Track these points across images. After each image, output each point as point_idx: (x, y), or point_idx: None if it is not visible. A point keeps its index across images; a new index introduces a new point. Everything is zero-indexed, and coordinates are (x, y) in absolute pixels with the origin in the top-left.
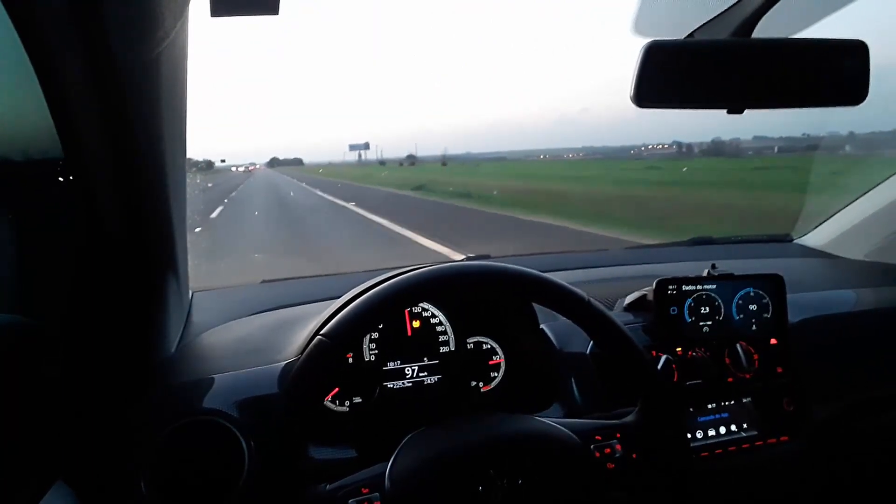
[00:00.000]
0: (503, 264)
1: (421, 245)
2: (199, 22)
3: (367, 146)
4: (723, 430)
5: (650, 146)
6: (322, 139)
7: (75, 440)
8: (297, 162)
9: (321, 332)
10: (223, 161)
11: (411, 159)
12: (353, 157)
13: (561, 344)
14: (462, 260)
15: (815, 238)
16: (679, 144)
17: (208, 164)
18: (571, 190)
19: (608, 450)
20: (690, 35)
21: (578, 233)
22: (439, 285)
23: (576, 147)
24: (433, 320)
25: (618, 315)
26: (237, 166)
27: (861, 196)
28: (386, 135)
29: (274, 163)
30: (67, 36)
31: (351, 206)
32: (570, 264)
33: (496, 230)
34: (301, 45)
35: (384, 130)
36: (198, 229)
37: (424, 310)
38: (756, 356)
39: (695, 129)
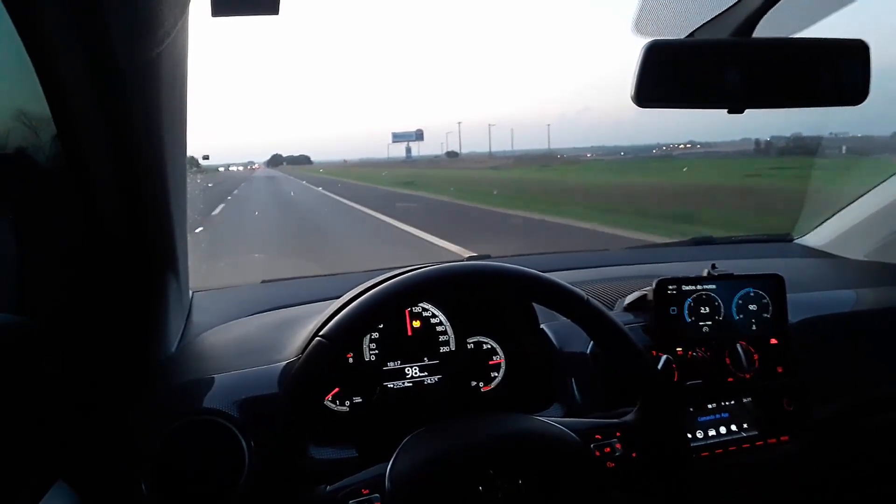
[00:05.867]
0: (503, 264)
1: None
2: (199, 22)
3: (419, 135)
4: (723, 429)
5: (670, 145)
6: (334, 135)
7: (75, 440)
8: (305, 160)
9: (321, 332)
10: (206, 158)
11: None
12: (398, 151)
13: (561, 344)
14: (463, 260)
15: (816, 238)
16: (757, 142)
17: (192, 162)
18: None
19: (608, 449)
20: (691, 35)
21: None
22: (439, 285)
23: (585, 147)
24: (433, 320)
25: (618, 315)
26: (229, 165)
27: (861, 196)
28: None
29: (276, 161)
30: (67, 36)
31: None
32: (570, 264)
33: None
34: (303, 32)
35: (383, 129)
36: None
37: (424, 310)
38: (756, 356)
39: (703, 128)
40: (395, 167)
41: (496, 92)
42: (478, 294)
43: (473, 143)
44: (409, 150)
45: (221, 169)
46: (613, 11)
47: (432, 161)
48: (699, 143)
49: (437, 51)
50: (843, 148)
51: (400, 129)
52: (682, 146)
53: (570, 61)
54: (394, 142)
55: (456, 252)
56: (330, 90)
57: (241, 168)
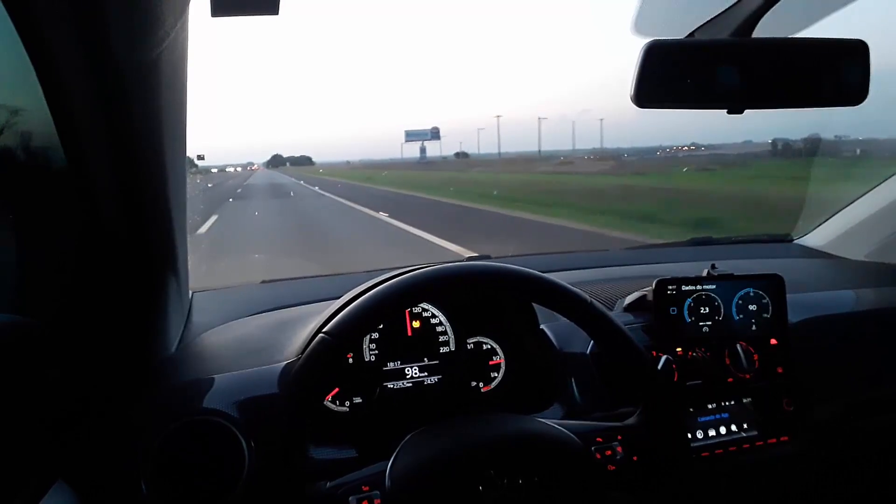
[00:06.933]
0: (504, 265)
1: None
2: (199, 22)
3: (435, 134)
4: (723, 430)
5: (673, 147)
6: (338, 135)
7: (75, 440)
8: (306, 161)
9: (323, 329)
10: (201, 158)
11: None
12: (412, 151)
13: (561, 344)
14: (463, 260)
15: (816, 238)
16: (775, 142)
17: (188, 163)
18: None
19: (609, 451)
20: (691, 35)
21: None
22: (440, 285)
23: (586, 148)
24: (433, 320)
25: (618, 315)
26: (226, 166)
27: (861, 196)
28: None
29: (277, 161)
30: (67, 36)
31: None
32: (571, 264)
33: None
34: (305, 30)
35: (391, 128)
36: None
37: (424, 310)
38: (756, 356)
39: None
40: (412, 169)
41: (498, 91)
42: (478, 294)
43: (485, 144)
44: (423, 149)
45: (215, 170)
46: (613, 11)
47: (464, 162)
48: (703, 146)
49: (443, 47)
50: (858, 150)
51: (412, 127)
52: (685, 148)
53: (570, 61)
54: (407, 141)
55: (456, 252)
56: (333, 89)
57: (238, 169)
